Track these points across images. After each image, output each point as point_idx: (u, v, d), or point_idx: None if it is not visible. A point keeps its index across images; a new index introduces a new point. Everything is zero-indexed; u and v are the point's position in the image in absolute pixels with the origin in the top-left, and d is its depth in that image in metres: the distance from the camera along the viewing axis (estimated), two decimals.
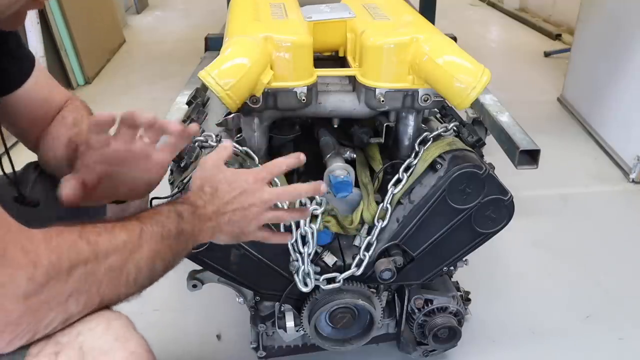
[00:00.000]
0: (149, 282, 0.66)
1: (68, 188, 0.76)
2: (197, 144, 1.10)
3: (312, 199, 1.05)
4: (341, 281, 1.07)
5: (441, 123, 1.21)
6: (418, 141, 1.11)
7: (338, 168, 1.07)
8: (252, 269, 1.08)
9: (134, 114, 0.75)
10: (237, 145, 1.05)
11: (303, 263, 1.04)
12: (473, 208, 1.06)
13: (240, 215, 0.79)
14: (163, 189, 1.15)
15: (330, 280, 1.08)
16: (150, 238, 0.66)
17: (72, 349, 0.55)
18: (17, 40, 0.86)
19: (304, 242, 1.04)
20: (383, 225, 1.07)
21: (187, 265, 1.10)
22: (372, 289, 1.14)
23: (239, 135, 1.14)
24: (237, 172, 0.81)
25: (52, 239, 0.56)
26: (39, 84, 0.90)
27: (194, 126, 0.81)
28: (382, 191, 1.12)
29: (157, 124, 0.77)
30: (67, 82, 3.11)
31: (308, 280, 1.05)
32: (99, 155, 0.77)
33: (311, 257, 1.05)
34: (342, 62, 1.27)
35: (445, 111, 1.27)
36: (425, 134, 1.11)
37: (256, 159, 1.07)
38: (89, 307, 0.59)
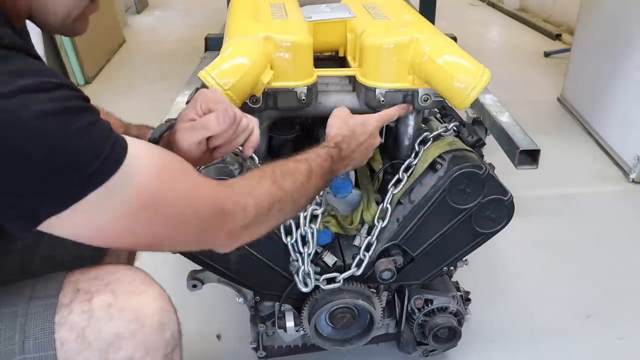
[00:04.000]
0: (307, 206, 0.91)
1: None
2: None
3: None
4: (341, 281, 1.07)
5: (441, 123, 1.21)
6: (418, 141, 1.11)
7: (344, 169, 1.07)
8: (252, 269, 1.08)
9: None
10: None
11: (303, 263, 1.04)
12: (473, 208, 1.06)
13: (365, 152, 0.99)
14: None
15: (330, 280, 1.08)
16: (315, 176, 0.84)
17: (104, 294, 0.63)
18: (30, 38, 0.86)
19: (304, 242, 1.04)
20: (383, 225, 1.07)
21: (187, 265, 1.10)
22: (372, 289, 1.14)
23: None
24: (364, 120, 0.99)
25: (254, 189, 0.73)
26: None
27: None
28: (382, 191, 1.12)
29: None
30: None
31: (308, 280, 1.05)
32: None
33: (311, 257, 1.05)
34: (342, 62, 1.27)
35: (445, 111, 1.27)
36: (425, 134, 1.11)
37: (256, 158, 1.07)
38: (279, 224, 0.84)
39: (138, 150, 0.61)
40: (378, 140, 1.01)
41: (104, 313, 0.62)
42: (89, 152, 0.55)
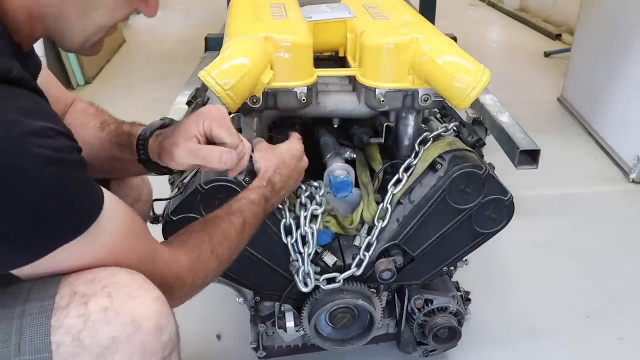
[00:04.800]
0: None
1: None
2: None
3: (312, 199, 1.05)
4: (341, 281, 1.07)
5: (441, 123, 1.21)
6: (418, 141, 1.11)
7: (338, 168, 1.07)
8: (252, 269, 1.08)
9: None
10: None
11: (303, 263, 1.04)
12: (473, 208, 1.06)
13: (298, 177, 1.01)
14: (163, 189, 1.15)
15: (330, 280, 1.07)
16: (249, 227, 0.88)
17: (100, 297, 0.63)
18: None
19: (304, 242, 1.04)
20: (383, 225, 1.07)
21: None
22: (372, 289, 1.14)
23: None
24: (288, 147, 1.00)
25: (194, 262, 0.77)
26: (49, 83, 0.91)
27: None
28: (382, 191, 1.12)
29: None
30: (67, 82, 3.11)
31: (308, 280, 1.05)
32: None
33: (311, 257, 1.05)
34: (342, 62, 1.27)
35: (445, 111, 1.27)
36: (425, 134, 1.11)
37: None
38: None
39: (110, 206, 0.64)
40: (306, 161, 1.02)
41: (100, 316, 0.62)
42: (71, 206, 0.58)
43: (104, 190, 0.64)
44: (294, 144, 1.01)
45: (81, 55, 0.90)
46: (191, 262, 0.77)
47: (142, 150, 0.89)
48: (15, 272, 0.60)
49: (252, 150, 0.94)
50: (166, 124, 0.92)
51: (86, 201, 0.60)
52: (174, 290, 0.74)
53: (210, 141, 0.86)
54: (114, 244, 0.65)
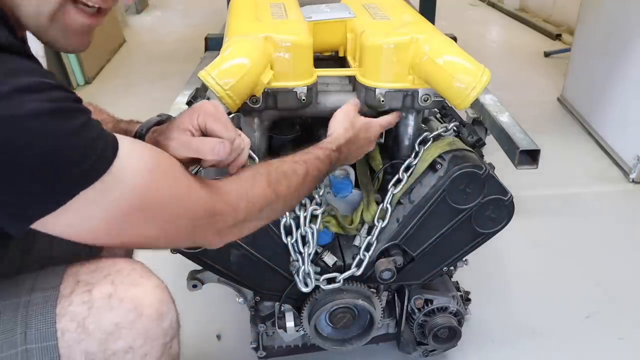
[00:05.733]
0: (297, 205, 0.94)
1: None
2: None
3: (312, 198, 1.05)
4: (341, 281, 1.07)
5: (441, 123, 1.21)
6: (418, 141, 1.11)
7: (338, 168, 1.07)
8: (252, 269, 1.08)
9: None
10: (251, 153, 1.04)
11: (303, 263, 1.04)
12: (473, 208, 1.06)
13: (358, 156, 1.01)
14: None
15: (330, 281, 1.08)
16: (311, 180, 0.86)
17: (104, 285, 0.65)
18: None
19: (304, 242, 1.04)
20: (383, 226, 1.07)
21: (187, 266, 1.10)
22: (372, 289, 1.14)
23: None
24: (368, 125, 1.00)
25: (248, 191, 0.75)
26: None
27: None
28: (382, 191, 1.12)
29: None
30: (67, 82, 3.11)
31: (308, 280, 1.05)
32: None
33: (311, 257, 1.05)
34: (342, 62, 1.27)
35: (445, 111, 1.27)
36: (425, 134, 1.11)
37: (256, 158, 1.07)
38: (268, 223, 0.84)
39: (129, 150, 0.61)
40: (373, 146, 1.03)
41: (104, 303, 0.64)
42: (82, 152, 0.55)
43: (121, 136, 0.62)
44: (374, 125, 1.02)
45: (67, 52, 0.88)
46: (243, 190, 0.75)
47: None
48: (45, 227, 0.58)
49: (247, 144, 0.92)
50: (163, 120, 0.91)
51: (97, 145, 0.57)
52: (225, 215, 0.71)
53: (206, 136, 0.84)
54: (140, 186, 0.62)
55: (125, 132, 0.90)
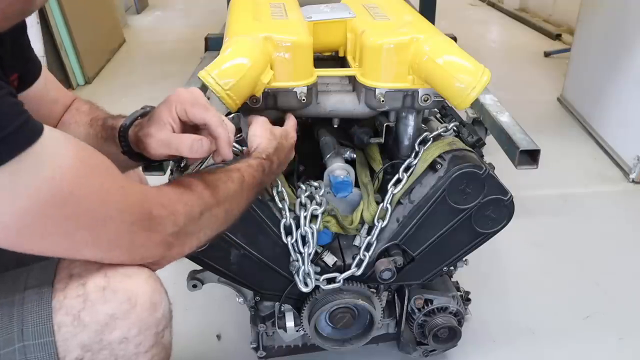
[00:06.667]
0: (234, 220, 0.83)
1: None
2: None
3: (312, 199, 1.05)
4: (341, 281, 1.07)
5: (441, 123, 1.21)
6: (418, 141, 1.11)
7: (338, 168, 1.07)
8: (252, 269, 1.08)
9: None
10: (237, 145, 1.05)
11: (303, 263, 1.04)
12: (473, 208, 1.06)
13: (285, 165, 0.98)
14: None
15: (330, 280, 1.08)
16: (247, 187, 0.82)
17: (97, 277, 0.65)
18: (27, 40, 0.85)
19: (304, 242, 1.04)
20: (383, 225, 1.07)
21: (187, 265, 1.10)
22: (372, 289, 1.14)
23: (238, 135, 1.14)
24: (286, 132, 0.98)
25: (184, 194, 0.72)
26: (49, 85, 0.91)
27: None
28: (382, 191, 1.12)
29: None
30: (67, 82, 3.12)
31: (308, 280, 1.05)
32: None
33: (311, 257, 1.05)
34: (342, 62, 1.27)
35: (445, 111, 1.27)
36: (425, 134, 1.11)
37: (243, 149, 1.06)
38: (212, 236, 0.77)
39: (56, 137, 0.57)
40: (294, 152, 1.01)
41: (98, 295, 0.65)
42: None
43: (52, 128, 0.57)
44: (290, 131, 1.00)
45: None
46: (179, 192, 0.72)
47: (123, 142, 0.86)
48: None
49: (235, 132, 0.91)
50: (147, 112, 0.89)
51: (13, 119, 0.52)
52: (163, 218, 0.67)
53: (191, 125, 0.83)
54: (61, 176, 0.56)
55: (112, 127, 0.90)
